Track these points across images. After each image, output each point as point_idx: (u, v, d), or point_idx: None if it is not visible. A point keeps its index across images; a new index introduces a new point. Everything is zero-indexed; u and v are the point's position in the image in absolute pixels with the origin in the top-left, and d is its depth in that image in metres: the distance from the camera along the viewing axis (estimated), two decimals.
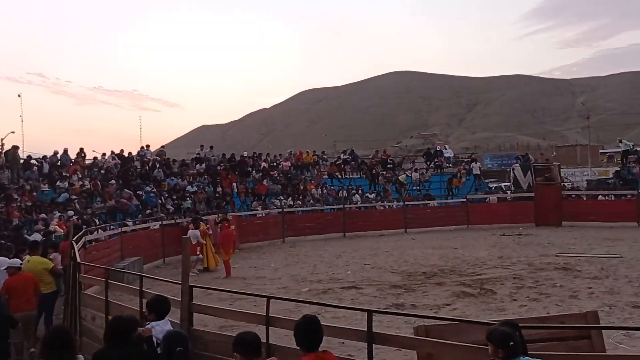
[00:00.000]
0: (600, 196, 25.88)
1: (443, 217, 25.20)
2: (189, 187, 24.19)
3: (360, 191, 27.47)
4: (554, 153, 56.10)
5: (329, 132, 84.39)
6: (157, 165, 24.78)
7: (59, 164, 22.04)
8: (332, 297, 11.84)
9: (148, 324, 5.10)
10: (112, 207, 20.09)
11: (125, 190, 21.20)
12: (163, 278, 8.14)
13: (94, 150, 24.67)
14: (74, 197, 19.50)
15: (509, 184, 31.97)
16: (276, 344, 5.23)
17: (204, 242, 16.43)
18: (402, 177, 28.75)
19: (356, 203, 26.21)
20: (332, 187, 28.14)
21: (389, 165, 30.04)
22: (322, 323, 4.04)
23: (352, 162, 30.39)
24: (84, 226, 14.83)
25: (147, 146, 26.86)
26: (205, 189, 24.68)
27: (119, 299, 7.55)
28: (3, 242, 11.64)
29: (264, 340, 5.23)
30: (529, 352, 3.69)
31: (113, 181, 21.75)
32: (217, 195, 24.74)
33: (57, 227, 14.96)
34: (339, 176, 29.37)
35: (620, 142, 30.83)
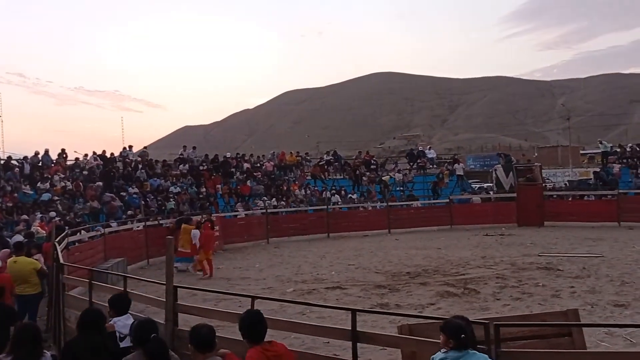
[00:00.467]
0: (584, 196, 26.26)
1: (426, 218, 25.38)
2: (172, 188, 24.07)
3: (343, 192, 27.56)
4: (536, 154, 56.87)
5: (312, 133, 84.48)
6: (140, 166, 24.62)
7: (40, 164, 21.79)
8: (316, 297, 11.89)
9: (111, 320, 5.33)
10: (96, 209, 19.92)
11: (107, 194, 21.01)
12: (147, 279, 8.10)
13: (75, 151, 24.46)
14: (56, 198, 19.29)
15: (491, 184, 32.34)
16: None
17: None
18: (385, 178, 28.91)
19: (337, 204, 26.30)
20: (315, 188, 28.19)
21: (372, 166, 30.17)
22: (307, 323, 4.13)
23: (336, 163, 30.47)
24: (67, 227, 14.68)
25: (130, 147, 26.66)
26: (189, 189, 24.58)
27: (103, 300, 7.50)
28: None
29: None
30: (511, 350, 3.79)
31: (99, 183, 21.57)
32: (200, 196, 24.65)
33: (39, 228, 14.79)
34: (323, 177, 29.43)
35: (601, 143, 31.42)
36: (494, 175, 29.70)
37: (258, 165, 28.84)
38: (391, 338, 4.68)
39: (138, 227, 18.96)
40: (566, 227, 22.77)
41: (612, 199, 24.31)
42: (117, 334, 5.20)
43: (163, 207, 22.39)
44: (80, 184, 21.23)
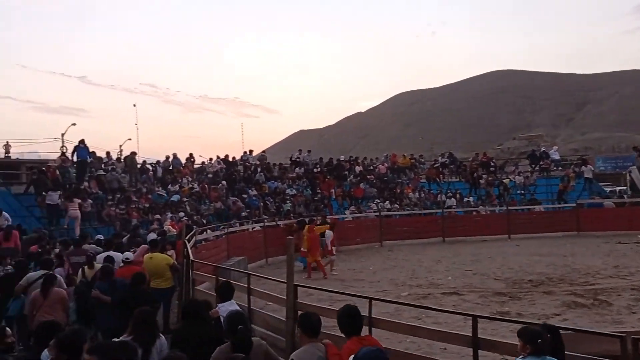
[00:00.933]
0: None
1: (550, 223, 23.93)
2: (288, 190, 24.89)
3: (459, 195, 26.80)
4: None
5: (425, 135, 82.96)
6: (259, 169, 25.75)
7: (170, 168, 23.52)
8: (432, 302, 11.68)
9: (217, 307, 5.88)
10: (219, 209, 21.17)
11: (231, 197, 22.30)
12: (268, 276, 8.46)
13: (200, 155, 26.09)
14: (184, 199, 20.73)
15: (625, 187, 29.74)
16: (388, 347, 5.27)
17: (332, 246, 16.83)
18: (506, 181, 27.64)
19: (452, 207, 25.62)
20: (430, 191, 27.69)
21: (491, 168, 29.04)
22: (426, 327, 4.15)
23: (451, 166, 29.70)
24: (194, 227, 15.74)
25: (250, 151, 27.97)
26: (304, 192, 25.27)
27: None
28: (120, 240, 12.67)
29: None
30: None
31: (224, 182, 22.89)
32: (315, 198, 25.24)
33: (170, 227, 15.99)
34: (438, 180, 28.83)
35: None
36: (628, 177, 27.31)
37: (371, 168, 28.92)
38: (516, 347, 4.49)
39: (257, 227, 19.85)
40: None
41: None
42: (222, 318, 5.70)
43: (280, 209, 23.23)
44: (206, 186, 22.66)
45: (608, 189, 32.58)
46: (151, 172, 22.59)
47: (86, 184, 18.42)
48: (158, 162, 23.72)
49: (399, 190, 27.05)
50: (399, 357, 5.41)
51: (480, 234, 23.52)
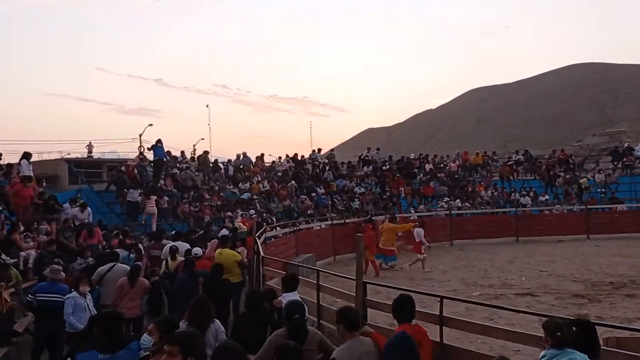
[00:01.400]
0: None
1: (634, 223, 22.59)
2: (356, 188, 24.88)
3: (533, 193, 25.81)
4: None
5: (499, 131, 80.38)
6: (327, 168, 25.90)
7: (241, 166, 24.11)
8: (505, 303, 11.31)
9: (282, 296, 6.19)
10: (288, 207, 21.50)
11: (300, 196, 22.61)
12: (338, 273, 8.51)
13: (270, 155, 26.64)
14: (254, 197, 21.19)
15: None
16: (451, 344, 5.19)
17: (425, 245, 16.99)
18: (582, 181, 26.32)
19: (525, 206, 24.69)
20: (503, 189, 26.84)
21: (570, 166, 27.77)
22: (500, 327, 4.11)
23: (525, 163, 28.64)
24: (264, 224, 16.07)
25: (319, 149, 28.20)
26: (373, 190, 25.18)
27: (297, 291, 8.05)
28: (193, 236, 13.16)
29: (437, 339, 5.25)
30: None
31: (293, 182, 23.23)
32: (384, 196, 25.09)
33: (241, 224, 16.39)
34: (512, 178, 27.89)
35: None
36: None
37: (441, 165, 28.40)
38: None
39: (325, 225, 19.99)
40: None
41: None
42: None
43: (348, 207, 23.26)
44: (275, 184, 23.06)
45: None
46: (223, 171, 23.23)
47: (162, 182, 19.20)
48: (229, 160, 24.38)
49: (470, 189, 26.40)
50: (470, 357, 5.28)
51: (556, 233, 22.57)
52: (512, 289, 12.90)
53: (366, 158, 27.82)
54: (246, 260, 10.88)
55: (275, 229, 17.24)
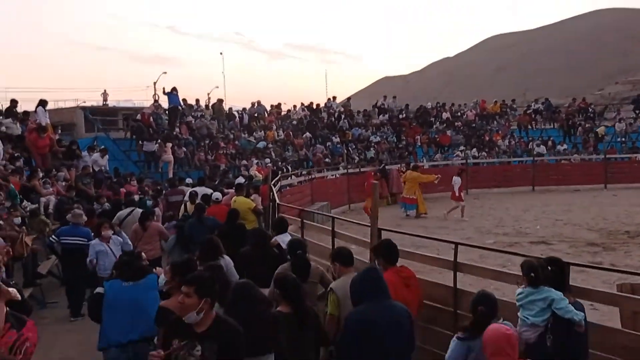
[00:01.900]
0: None
1: None
2: (372, 137, 24.72)
3: (551, 142, 25.46)
4: None
5: (518, 79, 78.63)
6: (343, 116, 25.69)
7: (256, 115, 24.01)
8: (519, 251, 11.33)
9: (274, 238, 6.67)
10: (303, 157, 21.51)
11: (317, 145, 22.56)
12: (353, 220, 8.57)
13: (285, 103, 26.42)
14: (269, 145, 21.20)
15: None
16: (464, 289, 5.23)
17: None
18: (600, 129, 25.84)
19: (542, 155, 24.42)
20: (521, 139, 26.49)
21: (589, 114, 27.22)
22: (512, 272, 4.25)
23: (545, 112, 28.12)
24: (279, 172, 16.13)
25: (334, 98, 27.85)
26: (388, 139, 25.00)
27: (311, 237, 8.14)
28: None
29: (451, 284, 5.30)
30: None
31: (308, 134, 23.11)
32: (399, 145, 24.93)
33: (256, 172, 16.48)
34: (530, 127, 27.47)
35: None
36: None
37: (458, 114, 28.01)
38: (610, 296, 4.29)
39: (340, 174, 20.02)
40: None
41: None
42: (282, 245, 6.35)
43: (363, 156, 23.19)
44: (290, 133, 22.99)
45: None
46: (237, 119, 23.17)
47: (177, 130, 19.24)
48: (244, 109, 24.27)
49: (487, 138, 26.10)
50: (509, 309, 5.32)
51: (573, 183, 22.41)
52: (527, 237, 12.93)
53: (382, 106, 27.49)
54: (261, 207, 10.97)
55: (290, 178, 17.31)
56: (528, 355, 3.57)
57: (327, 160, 21.82)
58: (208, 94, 26.71)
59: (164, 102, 20.40)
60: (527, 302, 3.88)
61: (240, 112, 23.88)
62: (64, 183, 11.69)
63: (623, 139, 25.45)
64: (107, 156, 14.54)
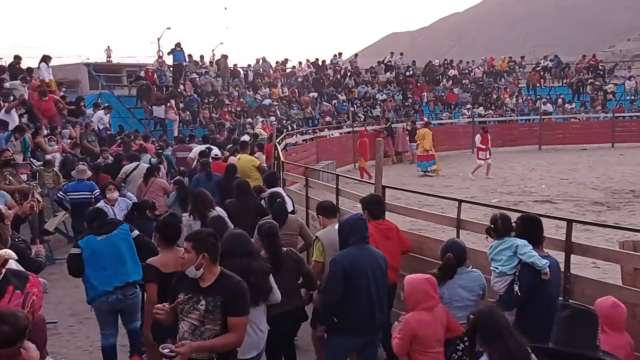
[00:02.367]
0: None
1: None
2: (378, 95, 24.46)
3: (560, 100, 25.14)
4: None
5: (528, 36, 77.04)
6: (349, 74, 25.36)
7: (261, 71, 23.72)
8: (523, 209, 11.37)
9: (267, 191, 6.91)
10: (309, 116, 21.38)
11: (324, 102, 22.37)
12: (357, 178, 8.58)
13: (290, 60, 25.97)
14: (275, 103, 21.03)
15: None
16: (468, 247, 5.25)
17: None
18: (609, 87, 25.45)
19: (550, 114, 24.17)
20: (528, 97, 26.16)
21: (599, 72, 26.77)
22: None
23: (554, 70, 27.66)
24: (284, 130, 16.06)
25: (340, 54, 27.40)
26: (395, 97, 24.74)
27: (316, 195, 8.17)
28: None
29: None
30: None
31: (314, 94, 22.86)
32: (406, 103, 24.69)
33: (261, 130, 16.42)
34: (539, 84, 27.08)
35: None
36: None
37: (466, 71, 27.60)
38: (612, 252, 4.31)
39: (346, 133, 19.92)
40: None
41: None
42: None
43: (369, 114, 23.00)
44: (296, 90, 22.77)
45: None
46: (242, 76, 22.92)
47: (182, 87, 19.08)
48: (249, 65, 23.96)
49: (495, 96, 25.79)
50: (485, 257, 5.37)
51: (580, 142, 22.26)
52: (531, 196, 12.94)
53: (389, 64, 27.07)
54: (265, 165, 10.99)
55: (296, 136, 17.25)
56: (499, 306, 3.61)
57: (328, 119, 21.64)
58: (212, 50, 26.38)
59: (168, 59, 20.18)
60: (496, 253, 3.99)
61: (245, 69, 23.60)
62: (69, 141, 11.70)
63: (633, 97, 25.09)
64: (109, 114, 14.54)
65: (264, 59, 24.38)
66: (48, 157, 10.18)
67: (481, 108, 24.73)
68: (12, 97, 11.60)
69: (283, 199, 5.92)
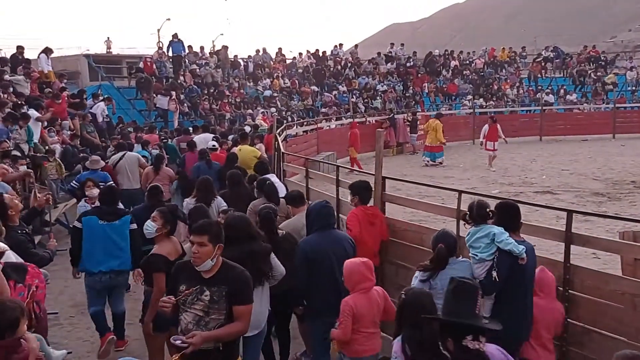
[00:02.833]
0: None
1: None
2: (379, 86, 24.39)
3: (562, 91, 25.07)
4: None
5: (530, 26, 76.72)
6: (349, 65, 25.27)
7: (261, 62, 23.64)
8: (523, 200, 11.37)
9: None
10: (309, 107, 21.33)
11: (325, 93, 22.31)
12: (357, 169, 8.57)
13: (290, 51, 25.93)
14: (275, 94, 20.98)
15: None
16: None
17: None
18: (610, 77, 25.36)
19: (551, 104, 24.12)
20: (529, 87, 26.08)
21: (600, 63, 26.67)
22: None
23: (556, 60, 27.56)
24: (284, 121, 16.03)
25: (340, 45, 27.29)
26: (395, 88, 24.67)
27: (316, 186, 8.16)
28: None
29: (454, 233, 5.34)
30: None
31: (315, 87, 22.80)
32: (407, 94, 24.63)
33: (262, 121, 16.39)
34: (540, 75, 26.99)
35: None
36: None
37: (467, 62, 27.50)
38: (612, 243, 4.30)
39: (346, 124, 19.87)
40: None
41: None
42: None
43: (370, 105, 22.95)
44: (296, 81, 22.70)
45: None
46: (242, 67, 22.85)
47: (182, 78, 19.02)
48: (249, 56, 23.88)
49: (496, 87, 25.72)
50: None
51: (581, 133, 22.21)
52: (532, 187, 12.94)
53: (389, 54, 26.96)
54: (265, 156, 10.98)
55: (296, 127, 17.22)
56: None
57: (324, 109, 21.57)
58: (213, 41, 26.26)
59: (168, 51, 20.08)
60: (474, 240, 4.02)
61: (245, 60, 23.51)
62: (68, 132, 11.68)
63: (634, 88, 25.02)
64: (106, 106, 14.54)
65: (264, 50, 24.30)
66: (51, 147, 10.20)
67: (481, 99, 24.67)
68: (11, 89, 11.54)
69: (273, 183, 6.21)
